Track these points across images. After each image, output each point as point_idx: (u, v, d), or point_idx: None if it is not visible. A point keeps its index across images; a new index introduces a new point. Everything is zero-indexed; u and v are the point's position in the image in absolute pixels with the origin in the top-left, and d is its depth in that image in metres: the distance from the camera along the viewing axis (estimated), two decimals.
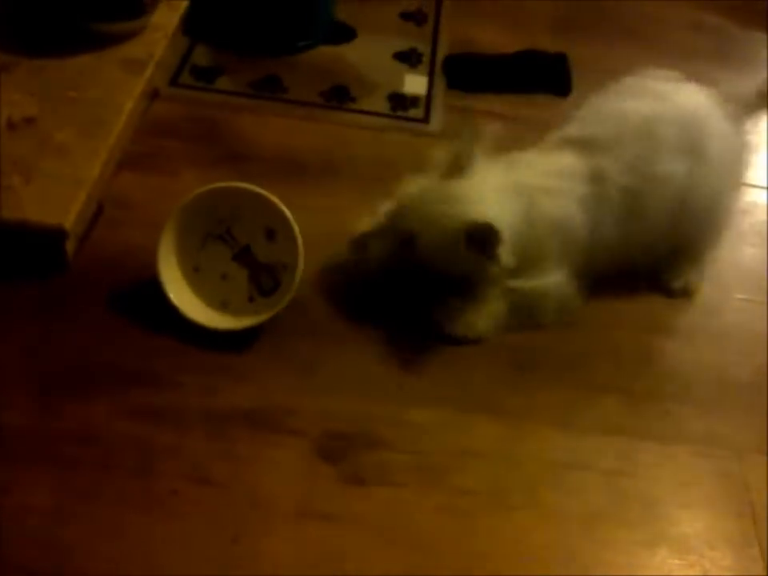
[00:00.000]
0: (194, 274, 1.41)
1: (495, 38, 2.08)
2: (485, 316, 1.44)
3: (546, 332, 1.48)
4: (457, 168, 1.39)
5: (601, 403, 1.40)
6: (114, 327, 1.39)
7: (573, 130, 1.51)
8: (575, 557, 1.22)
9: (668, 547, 1.24)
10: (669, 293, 1.58)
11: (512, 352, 1.45)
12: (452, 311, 1.44)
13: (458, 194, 1.38)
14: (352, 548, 1.19)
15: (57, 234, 1.41)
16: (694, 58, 2.08)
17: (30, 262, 1.43)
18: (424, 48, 2.02)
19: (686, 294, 1.58)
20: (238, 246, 1.41)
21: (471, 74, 1.94)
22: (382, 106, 1.86)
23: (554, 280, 1.44)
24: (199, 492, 1.22)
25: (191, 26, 1.94)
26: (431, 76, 1.95)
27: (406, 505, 1.24)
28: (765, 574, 1.23)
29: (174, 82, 1.85)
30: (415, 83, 1.92)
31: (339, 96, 1.86)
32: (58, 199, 1.44)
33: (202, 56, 1.93)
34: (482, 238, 1.32)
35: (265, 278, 1.40)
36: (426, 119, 1.84)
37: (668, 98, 1.49)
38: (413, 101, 1.88)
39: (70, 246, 1.45)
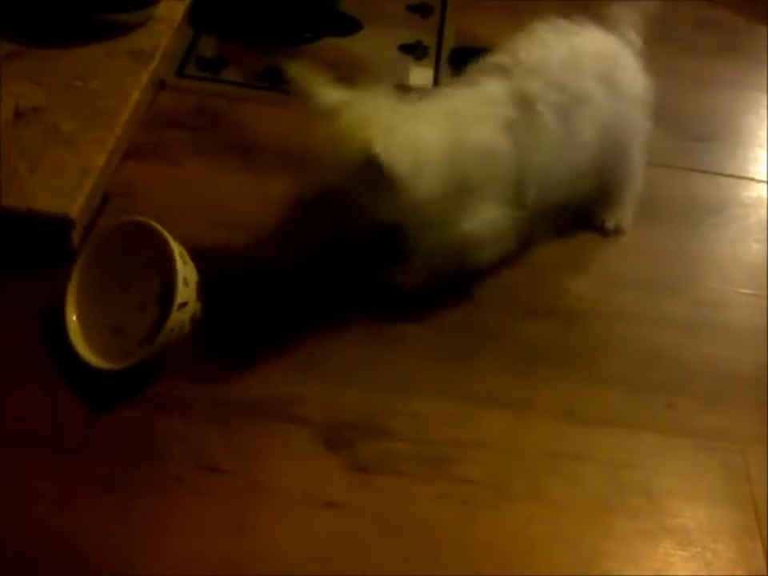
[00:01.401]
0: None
1: (501, 32, 2.07)
2: (420, 265, 1.45)
3: (549, 324, 1.48)
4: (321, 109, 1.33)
5: (604, 395, 1.40)
6: None
7: (496, 58, 1.49)
8: (577, 547, 1.23)
9: (670, 539, 1.25)
10: (603, 232, 1.64)
11: (515, 344, 1.45)
12: (391, 262, 1.45)
13: (348, 129, 1.29)
14: (355, 536, 1.20)
15: (63, 223, 1.42)
16: (697, 54, 2.08)
17: (36, 250, 1.43)
18: (429, 40, 2.01)
19: (618, 232, 1.64)
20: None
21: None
22: None
23: (486, 218, 1.41)
24: (204, 479, 1.23)
25: (197, 16, 1.94)
26: (437, 69, 1.95)
27: (409, 494, 1.25)
28: (767, 566, 1.23)
29: (179, 72, 1.85)
30: (421, 76, 1.92)
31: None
32: (64, 188, 1.45)
33: (207, 47, 1.93)
34: (372, 164, 1.24)
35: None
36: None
37: (583, 34, 1.52)
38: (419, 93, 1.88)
39: (76, 234, 1.45)
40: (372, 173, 1.25)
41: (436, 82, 1.91)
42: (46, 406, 1.28)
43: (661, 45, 2.07)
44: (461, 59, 1.93)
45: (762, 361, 1.48)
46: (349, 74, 1.86)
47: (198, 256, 1.34)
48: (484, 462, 1.30)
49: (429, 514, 1.23)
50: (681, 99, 1.96)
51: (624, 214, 1.65)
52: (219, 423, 1.28)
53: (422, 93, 1.44)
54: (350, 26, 2.01)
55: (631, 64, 1.54)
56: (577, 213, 1.61)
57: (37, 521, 1.16)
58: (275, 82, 1.84)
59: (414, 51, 1.98)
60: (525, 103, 1.40)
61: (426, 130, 1.33)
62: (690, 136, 1.89)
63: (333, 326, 1.43)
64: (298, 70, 1.34)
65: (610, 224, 1.64)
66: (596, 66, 1.47)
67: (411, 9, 2.12)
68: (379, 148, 1.23)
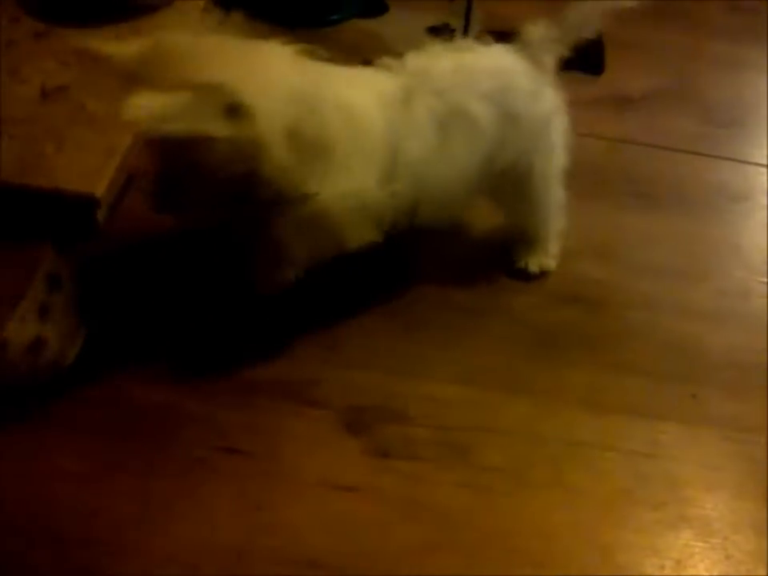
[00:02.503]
0: None
1: (528, 16, 2.05)
2: (284, 261, 1.31)
3: (572, 310, 1.47)
4: None
5: (626, 384, 1.39)
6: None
7: (383, 60, 1.36)
8: (597, 537, 1.22)
9: (691, 529, 1.24)
10: (527, 277, 1.52)
11: (536, 331, 1.45)
12: (252, 267, 1.33)
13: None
14: (373, 520, 1.20)
15: (88, 203, 1.42)
16: (728, 38, 2.05)
17: (61, 229, 1.43)
18: (456, 23, 2.00)
19: (541, 275, 1.52)
20: None
21: None
22: None
23: (349, 189, 1.24)
24: (224, 460, 1.23)
25: None
26: None
27: (428, 479, 1.25)
28: None
29: None
30: None
31: None
32: (89, 168, 1.45)
33: (234, 28, 1.91)
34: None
35: None
36: None
37: (480, 52, 1.40)
38: None
39: (100, 214, 1.45)
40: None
41: None
42: (69, 385, 1.29)
43: (690, 28, 2.07)
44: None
45: None
46: (374, 56, 1.86)
47: None
48: (504, 448, 1.30)
49: (448, 501, 1.23)
50: (708, 84, 1.94)
51: (547, 255, 1.54)
52: (239, 404, 1.29)
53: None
54: (377, 7, 2.00)
55: (533, 90, 1.38)
56: (497, 254, 1.55)
57: (59, 499, 1.17)
58: None
59: (442, 34, 1.97)
60: (405, 95, 1.29)
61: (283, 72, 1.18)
62: (717, 122, 1.87)
63: (353, 311, 1.43)
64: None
65: (533, 267, 1.52)
66: (485, 85, 1.33)
67: None
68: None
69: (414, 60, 1.36)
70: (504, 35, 1.93)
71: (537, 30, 1.43)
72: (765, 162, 1.80)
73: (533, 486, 1.27)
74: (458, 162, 1.33)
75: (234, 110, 1.08)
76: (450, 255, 1.54)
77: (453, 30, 1.97)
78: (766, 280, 1.58)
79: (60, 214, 1.42)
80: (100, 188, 1.43)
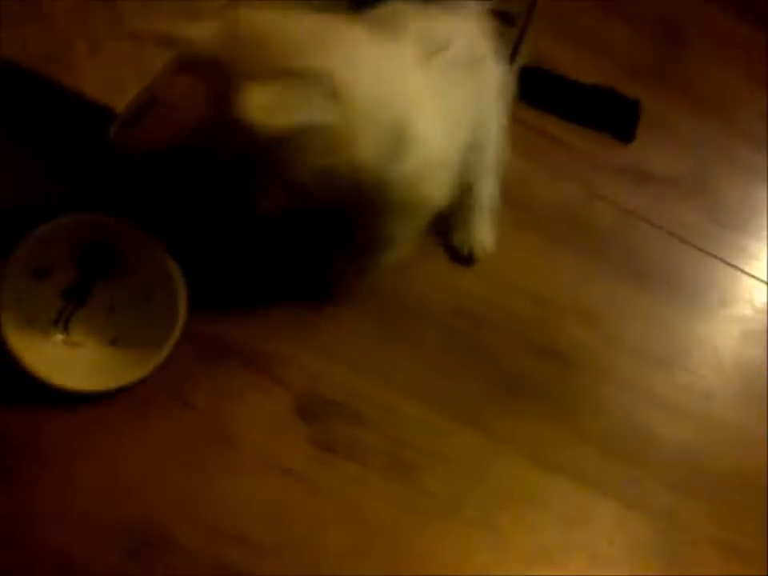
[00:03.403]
0: None
1: (574, 62, 2.06)
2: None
3: (546, 364, 1.47)
4: None
5: (578, 450, 1.39)
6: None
7: None
8: None
9: None
10: (462, 261, 1.49)
11: (507, 375, 1.43)
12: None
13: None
14: (306, 511, 1.19)
15: (105, 114, 1.39)
16: (757, 146, 2.07)
17: (71, 138, 1.40)
18: (504, 50, 1.99)
19: (475, 259, 1.49)
20: None
21: (544, 91, 1.92)
22: None
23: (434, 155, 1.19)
24: (173, 409, 1.21)
25: None
26: None
27: (368, 486, 1.24)
28: None
29: None
30: None
31: None
32: (116, 81, 1.41)
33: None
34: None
35: None
36: None
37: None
38: None
39: (113, 128, 1.42)
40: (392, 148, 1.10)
41: None
42: None
43: (724, 125, 2.09)
44: (530, 78, 1.92)
45: (741, 464, 1.48)
46: None
47: None
48: (446, 477, 1.29)
49: (380, 511, 1.23)
50: (724, 184, 1.96)
51: (480, 235, 1.49)
52: (206, 360, 1.26)
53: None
54: None
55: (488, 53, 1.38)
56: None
57: None
58: None
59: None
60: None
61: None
62: (725, 223, 1.88)
63: (338, 300, 1.40)
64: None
65: (463, 249, 1.48)
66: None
67: (496, 12, 2.09)
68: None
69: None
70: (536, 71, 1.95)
71: None
72: (761, 277, 1.82)
73: (464, 521, 1.26)
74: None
75: (336, 97, 1.03)
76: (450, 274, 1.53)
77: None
78: (733, 389, 1.59)
79: (74, 118, 1.39)
80: (121, 104, 1.40)
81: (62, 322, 1.22)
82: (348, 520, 1.21)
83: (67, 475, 1.12)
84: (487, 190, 1.48)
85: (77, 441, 1.15)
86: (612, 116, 1.93)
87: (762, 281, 1.82)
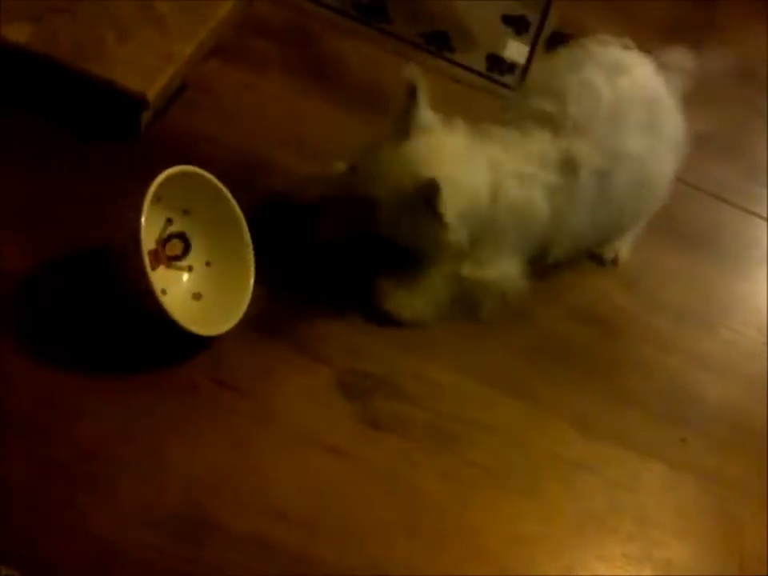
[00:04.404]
0: None
1: (603, 31, 2.03)
2: (423, 299, 1.39)
3: (588, 329, 1.47)
4: (405, 127, 1.30)
5: (622, 414, 1.39)
6: None
7: (541, 102, 1.42)
8: (562, 555, 1.24)
9: (652, 569, 1.26)
10: (600, 262, 1.57)
11: (549, 341, 1.44)
12: (388, 287, 1.38)
13: (417, 154, 1.30)
14: (350, 486, 1.20)
15: (138, 102, 1.40)
16: None
17: (105, 124, 1.41)
18: (533, 18, 1.98)
19: (615, 263, 1.58)
20: None
21: None
22: (479, 64, 1.83)
23: (504, 272, 1.40)
24: (216, 393, 1.22)
25: None
26: (533, 47, 1.91)
27: (413, 460, 1.25)
28: None
29: None
30: (516, 50, 1.88)
31: (439, 42, 1.83)
32: (146, 68, 1.42)
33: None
34: (427, 193, 1.24)
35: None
36: (515, 88, 1.81)
37: (628, 72, 1.43)
38: (510, 67, 1.84)
39: (146, 116, 1.43)
40: (422, 203, 1.26)
41: (529, 60, 1.88)
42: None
43: (753, 84, 2.06)
44: (558, 44, 1.90)
45: None
46: (447, 34, 1.84)
47: (251, 170, 1.37)
48: (490, 447, 1.30)
49: (426, 484, 1.23)
50: (760, 142, 1.93)
51: (623, 246, 1.59)
52: (243, 341, 1.26)
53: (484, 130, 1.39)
54: None
55: (673, 107, 1.46)
56: None
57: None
58: (373, 18, 1.81)
59: (516, 24, 1.94)
60: (569, 167, 1.37)
61: (477, 178, 1.33)
62: (764, 181, 1.86)
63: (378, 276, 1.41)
64: (416, 75, 1.29)
65: (609, 255, 1.58)
66: (641, 115, 1.41)
67: None
68: (444, 187, 1.23)
69: (577, 107, 1.39)
70: (563, 37, 1.92)
71: (674, 55, 1.51)
72: None
73: (510, 490, 1.27)
74: (620, 201, 1.42)
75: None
76: None
77: (529, 24, 1.95)
78: None
79: (106, 106, 1.40)
80: (152, 91, 1.41)
81: None
82: (395, 496, 1.21)
83: (111, 463, 1.13)
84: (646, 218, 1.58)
85: (127, 427, 1.16)
86: None
87: None
